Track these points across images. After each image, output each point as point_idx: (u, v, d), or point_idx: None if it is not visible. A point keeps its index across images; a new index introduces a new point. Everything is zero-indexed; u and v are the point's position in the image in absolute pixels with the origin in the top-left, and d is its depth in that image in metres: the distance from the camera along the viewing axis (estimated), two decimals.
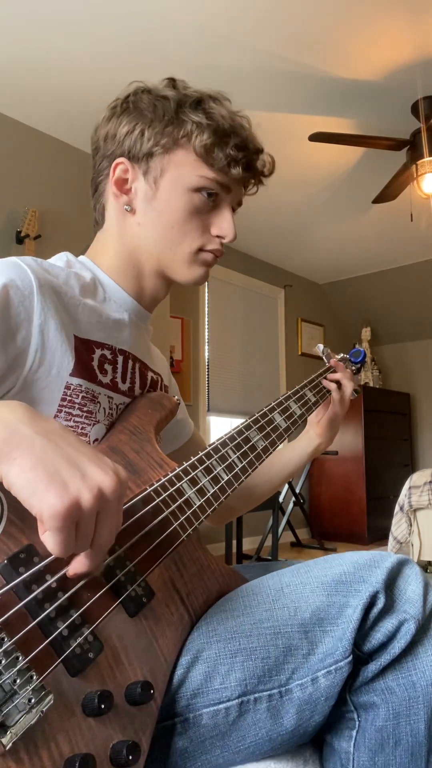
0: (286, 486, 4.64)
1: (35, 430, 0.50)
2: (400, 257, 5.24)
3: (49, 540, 0.47)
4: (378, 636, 0.64)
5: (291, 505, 4.63)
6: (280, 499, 4.39)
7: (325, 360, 1.13)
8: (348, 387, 1.07)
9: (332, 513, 5.25)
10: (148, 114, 0.82)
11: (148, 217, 0.83)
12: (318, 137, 3.01)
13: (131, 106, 0.83)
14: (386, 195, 3.53)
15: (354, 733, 0.66)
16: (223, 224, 0.84)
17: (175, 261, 0.85)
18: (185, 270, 0.85)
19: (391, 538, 3.64)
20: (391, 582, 0.66)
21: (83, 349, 0.75)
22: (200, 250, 0.84)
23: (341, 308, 6.20)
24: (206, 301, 4.66)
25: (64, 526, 0.46)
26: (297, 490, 4.62)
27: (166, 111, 0.81)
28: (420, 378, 6.09)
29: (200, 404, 4.49)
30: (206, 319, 4.64)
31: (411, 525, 3.58)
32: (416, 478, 3.57)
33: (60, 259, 0.84)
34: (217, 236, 0.85)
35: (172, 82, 0.85)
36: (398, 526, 3.61)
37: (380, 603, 0.64)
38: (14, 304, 0.68)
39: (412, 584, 0.66)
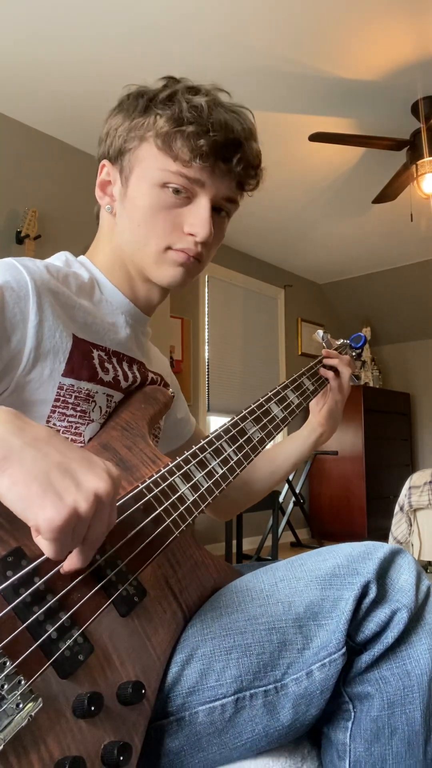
0: (286, 486, 4.64)
1: (24, 440, 0.49)
2: (400, 257, 5.23)
3: (46, 547, 0.48)
4: (371, 626, 0.64)
5: (291, 505, 4.63)
6: (280, 499, 4.38)
7: (325, 346, 1.11)
8: (345, 373, 1.05)
9: (332, 513, 5.25)
10: (126, 112, 0.81)
11: (122, 218, 0.82)
12: (318, 137, 3.01)
13: (118, 108, 0.83)
14: (386, 195, 3.52)
15: (350, 724, 0.66)
16: (194, 221, 0.78)
17: (145, 261, 0.81)
18: (155, 270, 0.81)
19: (391, 538, 3.63)
20: (384, 572, 0.66)
21: (81, 348, 0.75)
22: (168, 248, 0.80)
23: (341, 308, 6.19)
24: (206, 301, 4.66)
25: (62, 536, 0.47)
26: (297, 490, 4.62)
27: (138, 107, 0.79)
28: (420, 378, 6.08)
29: (200, 404, 4.49)
30: (206, 319, 4.64)
31: (411, 525, 3.57)
32: (416, 478, 3.57)
33: (59, 259, 0.84)
34: (189, 234, 0.79)
35: (169, 79, 0.82)
36: (398, 526, 3.60)
37: (372, 593, 0.64)
38: (9, 306, 0.68)
39: (404, 574, 0.66)
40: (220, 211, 0.83)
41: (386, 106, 3.09)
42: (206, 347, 4.63)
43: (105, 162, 0.83)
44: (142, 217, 0.79)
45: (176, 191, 0.78)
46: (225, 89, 0.83)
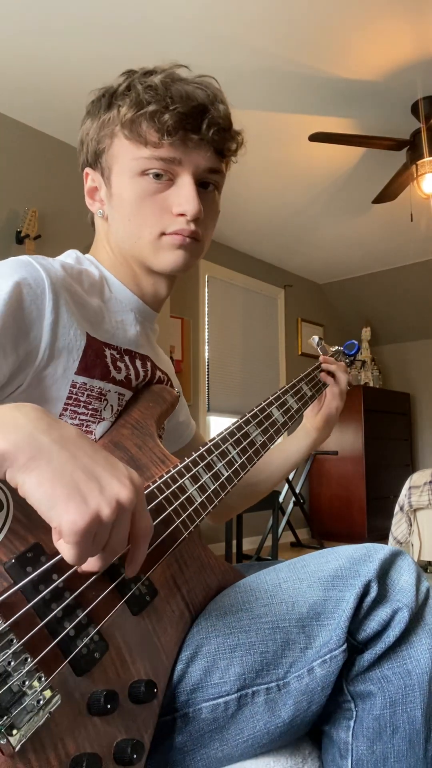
0: (286, 486, 4.64)
1: (52, 438, 0.49)
2: (400, 257, 5.24)
3: (66, 551, 0.48)
4: (372, 625, 0.65)
5: (291, 505, 4.63)
6: (280, 499, 4.39)
7: (320, 352, 1.12)
8: (343, 380, 1.05)
9: (332, 513, 5.25)
10: (92, 115, 0.81)
11: (113, 218, 0.82)
12: (318, 137, 3.01)
13: (86, 113, 0.83)
14: (386, 195, 3.53)
15: (352, 723, 0.67)
16: (181, 200, 0.76)
17: (143, 251, 0.80)
18: (155, 259, 0.80)
19: (391, 538, 3.64)
20: (384, 572, 0.67)
21: (94, 347, 0.75)
22: (162, 234, 0.79)
23: (341, 308, 6.20)
24: (206, 301, 4.66)
25: (83, 540, 0.47)
26: (297, 490, 4.62)
27: (102, 106, 0.79)
28: (420, 378, 6.09)
29: (200, 404, 4.49)
30: (206, 319, 4.64)
31: (411, 525, 3.58)
32: (416, 478, 3.57)
33: (69, 257, 0.85)
34: (180, 215, 0.77)
35: (128, 72, 0.80)
36: (398, 526, 3.61)
37: (373, 592, 0.65)
38: (26, 303, 0.68)
39: (404, 574, 0.68)
40: (207, 186, 0.81)
41: (386, 106, 3.10)
42: (206, 347, 4.63)
43: (87, 170, 0.84)
44: (130, 211, 0.79)
45: (156, 176, 0.76)
46: (225, 90, 0.81)
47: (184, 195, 0.76)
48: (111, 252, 0.85)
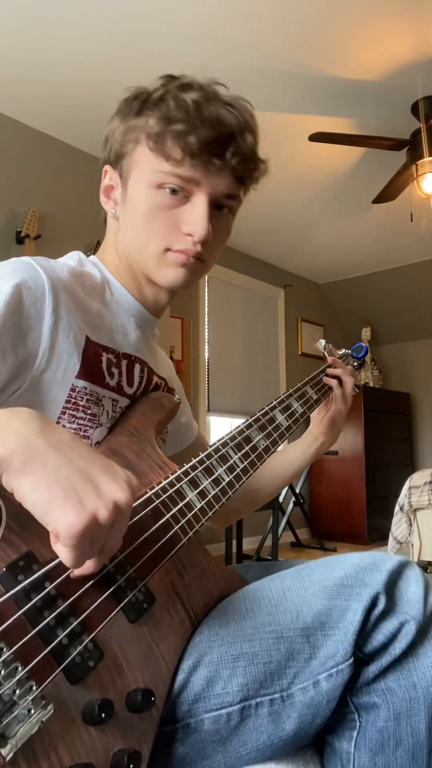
0: (287, 486, 4.63)
1: (47, 442, 0.49)
2: (400, 257, 5.23)
3: (64, 554, 0.48)
4: (379, 637, 0.64)
5: (291, 505, 4.63)
6: (280, 499, 4.38)
7: (327, 356, 1.10)
8: (349, 383, 1.04)
9: (332, 513, 5.25)
10: (123, 116, 0.80)
11: (124, 221, 0.82)
12: (318, 137, 3.00)
13: (116, 111, 0.82)
14: (386, 195, 3.52)
15: (355, 733, 0.66)
16: (191, 220, 0.76)
17: (147, 263, 0.80)
18: (157, 272, 0.80)
19: (391, 538, 3.63)
20: (392, 584, 0.66)
21: (92, 351, 0.75)
22: (168, 249, 0.78)
23: (341, 308, 6.19)
24: (206, 301, 4.65)
25: (81, 543, 0.46)
26: (297, 490, 4.62)
27: (132, 109, 0.79)
28: (420, 378, 6.08)
29: (200, 404, 4.49)
30: (206, 319, 4.64)
31: (411, 525, 3.57)
32: (416, 478, 3.57)
33: (72, 258, 0.84)
34: (188, 234, 0.77)
35: (166, 78, 0.80)
36: (398, 526, 3.60)
37: (381, 605, 0.64)
38: (26, 306, 0.68)
39: (412, 586, 0.67)
40: (221, 208, 0.80)
41: (386, 106, 3.09)
42: (206, 347, 4.62)
43: (107, 167, 0.83)
44: (140, 220, 0.78)
45: (173, 191, 0.76)
46: (223, 84, 0.79)
47: (195, 216, 0.76)
48: (116, 254, 0.85)
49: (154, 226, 0.77)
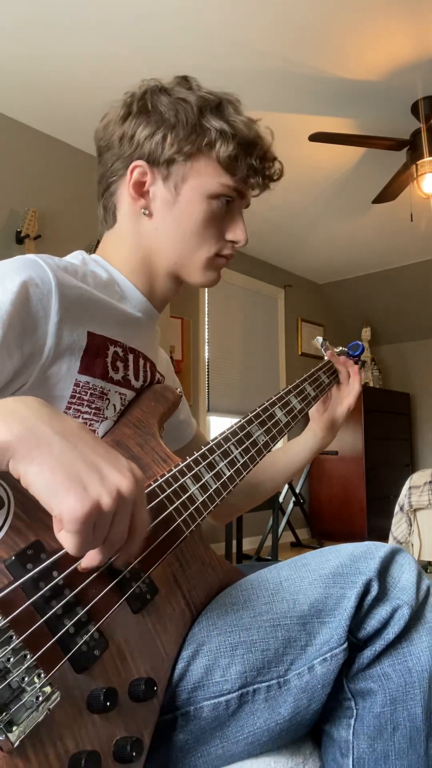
0: (286, 486, 4.64)
1: (54, 429, 0.50)
2: (400, 257, 5.24)
3: (67, 540, 0.48)
4: (373, 623, 0.65)
5: (291, 505, 4.63)
6: (280, 499, 4.39)
7: (324, 353, 1.11)
8: (356, 379, 1.07)
9: (332, 513, 5.25)
10: (170, 118, 0.80)
11: (166, 222, 0.83)
12: (318, 137, 3.01)
13: (150, 107, 0.81)
14: (386, 195, 3.53)
15: (352, 721, 0.67)
16: (237, 230, 0.85)
17: (192, 266, 0.85)
18: (200, 274, 0.86)
19: (391, 538, 3.64)
20: (385, 570, 0.68)
21: (97, 345, 0.75)
22: (216, 255, 0.85)
23: (341, 308, 6.20)
24: (206, 301, 4.66)
25: (84, 529, 0.47)
26: (297, 490, 4.62)
27: (189, 117, 0.80)
28: (420, 378, 6.09)
29: (200, 404, 4.49)
30: (206, 319, 4.65)
31: (411, 525, 3.58)
32: (416, 478, 3.57)
33: (75, 257, 0.84)
34: (231, 241, 0.86)
35: (185, 81, 0.84)
36: (398, 526, 3.61)
37: (374, 590, 0.65)
38: (33, 303, 0.68)
39: (405, 572, 0.68)
40: None
41: (386, 106, 3.10)
42: (206, 347, 4.63)
43: (141, 163, 0.81)
44: (194, 228, 0.82)
45: (227, 201, 0.83)
46: (237, 96, 0.87)
47: (240, 225, 0.86)
48: (133, 251, 0.85)
49: (208, 234, 0.83)
